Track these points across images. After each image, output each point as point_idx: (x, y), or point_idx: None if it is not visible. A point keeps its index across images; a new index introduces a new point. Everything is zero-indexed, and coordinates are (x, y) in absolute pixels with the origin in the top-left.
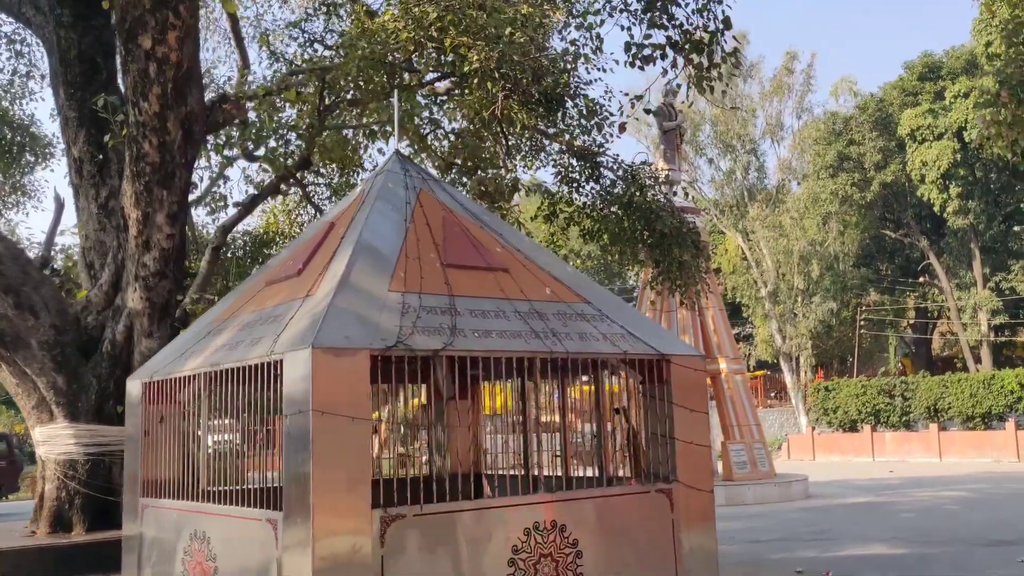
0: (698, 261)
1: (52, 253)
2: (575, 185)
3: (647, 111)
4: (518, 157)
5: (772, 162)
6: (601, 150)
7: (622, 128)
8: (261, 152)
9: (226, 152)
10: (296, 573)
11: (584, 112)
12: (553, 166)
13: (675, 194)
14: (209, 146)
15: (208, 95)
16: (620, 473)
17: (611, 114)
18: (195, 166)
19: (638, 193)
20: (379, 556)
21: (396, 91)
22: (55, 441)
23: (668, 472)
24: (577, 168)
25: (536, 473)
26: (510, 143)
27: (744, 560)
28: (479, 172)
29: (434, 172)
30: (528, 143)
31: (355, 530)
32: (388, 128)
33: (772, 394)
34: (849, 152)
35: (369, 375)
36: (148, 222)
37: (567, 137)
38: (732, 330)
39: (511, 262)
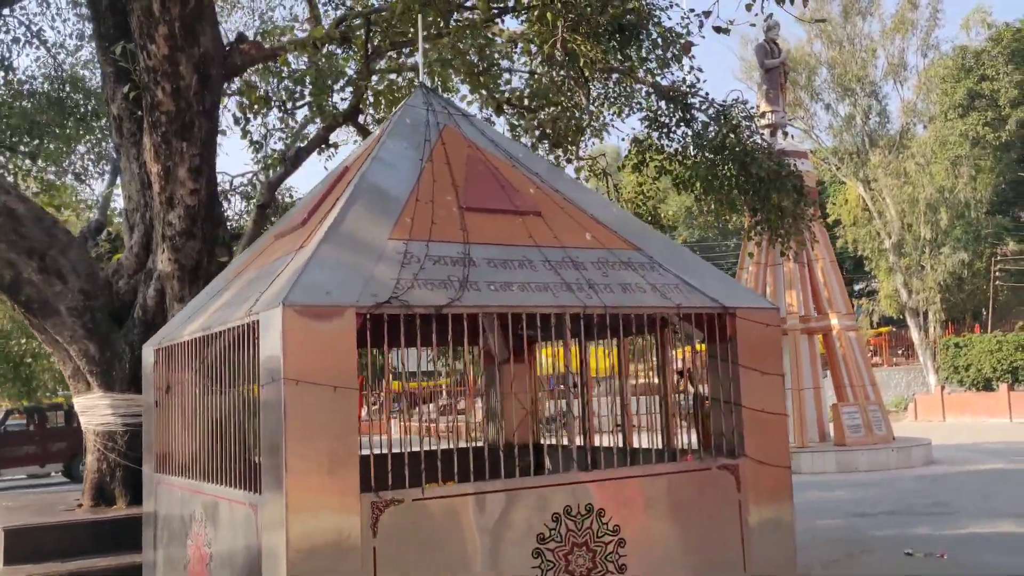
0: (800, 207)
1: (108, 217)
2: (665, 130)
3: (717, 30)
4: (602, 102)
5: (895, 105)
6: (692, 90)
7: (686, 49)
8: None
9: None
10: (272, 564)
11: (660, 43)
12: (639, 110)
13: (785, 136)
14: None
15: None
16: (686, 446)
17: (693, 44)
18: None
19: (731, 134)
20: (371, 547)
21: (419, 15)
22: (93, 411)
23: (734, 445)
24: (666, 111)
25: (579, 445)
26: (590, 84)
27: (846, 536)
28: (545, 112)
29: (483, 114)
30: (616, 87)
31: (340, 516)
32: (436, 68)
33: (899, 352)
34: (981, 89)
35: (356, 336)
36: (170, 177)
37: (641, 73)
38: (854, 285)
39: (546, 204)
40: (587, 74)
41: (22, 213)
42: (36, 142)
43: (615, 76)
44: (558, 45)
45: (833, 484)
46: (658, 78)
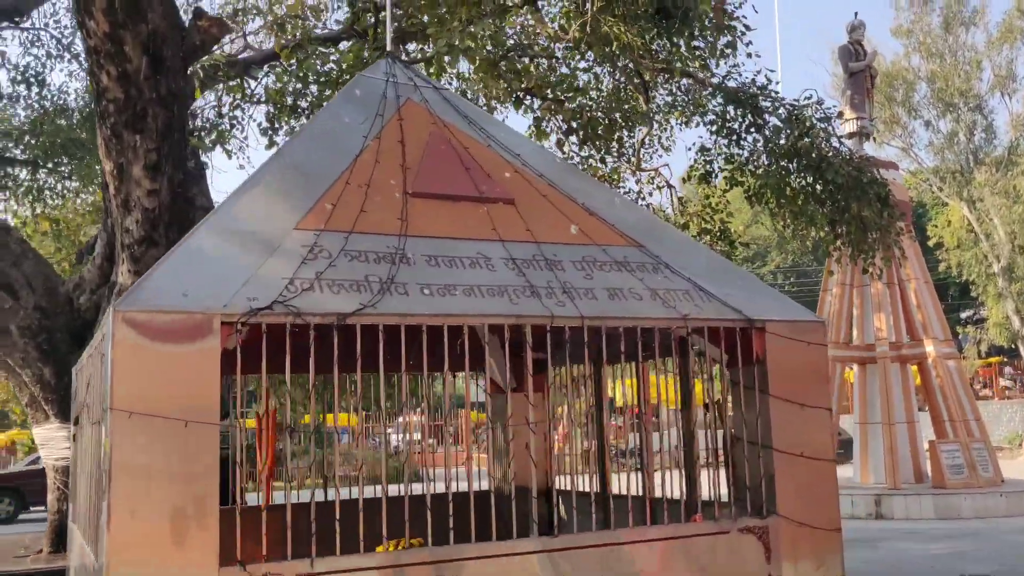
0: (886, 219)
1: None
2: (734, 137)
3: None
4: (667, 111)
5: (1002, 119)
6: (763, 91)
7: (724, 23)
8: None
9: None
10: None
11: (709, 25)
12: (701, 115)
13: (867, 139)
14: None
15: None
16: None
17: (749, 27)
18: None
19: (804, 138)
20: None
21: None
22: (52, 444)
23: (762, 500)
24: (735, 116)
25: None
26: (649, 86)
27: None
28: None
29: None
30: (677, 88)
31: None
32: (445, 56)
33: (1012, 384)
34: None
35: (220, 354)
36: (123, 176)
37: (678, 64)
38: (959, 312)
39: (523, 191)
40: (645, 77)
41: None
42: (76, 160)
43: (683, 81)
44: (588, 27)
45: (930, 533)
46: (715, 74)
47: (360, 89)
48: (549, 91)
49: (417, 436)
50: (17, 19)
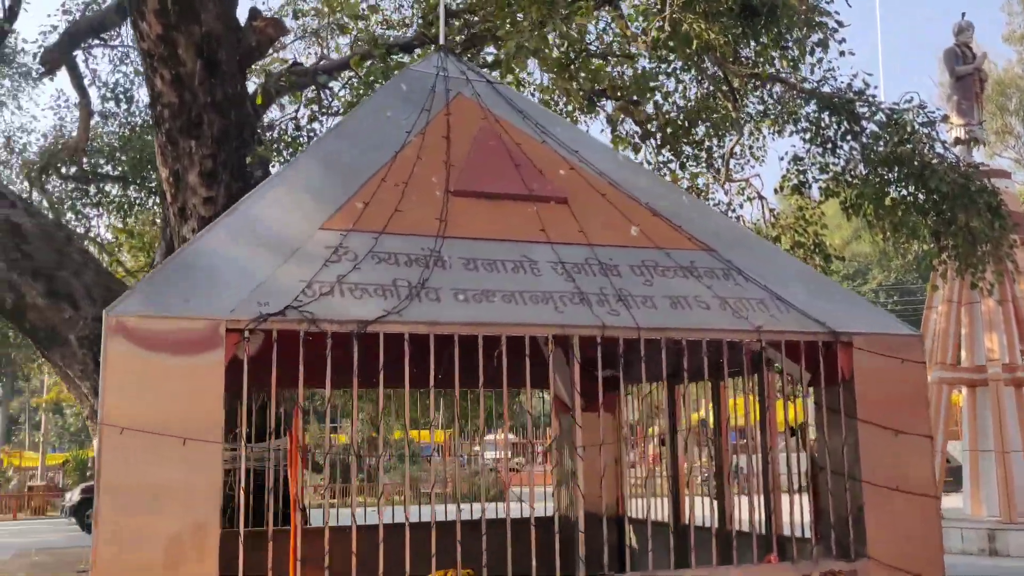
0: (997, 231)
1: None
2: (829, 145)
3: None
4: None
5: None
6: (859, 96)
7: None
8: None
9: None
10: None
11: (797, 21)
12: (794, 122)
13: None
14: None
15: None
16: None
17: (842, 23)
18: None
19: (905, 144)
20: None
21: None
22: None
23: (849, 540)
24: (829, 123)
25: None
26: (737, 92)
27: None
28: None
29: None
30: (768, 94)
31: None
32: (513, 59)
33: None
34: None
35: (224, 365)
36: (180, 184)
37: (766, 66)
38: None
39: (579, 189)
40: (733, 84)
41: (28, 229)
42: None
43: (776, 88)
44: (667, 25)
45: None
46: (808, 80)
47: (406, 83)
48: (622, 92)
49: (503, 455)
50: (103, 36)
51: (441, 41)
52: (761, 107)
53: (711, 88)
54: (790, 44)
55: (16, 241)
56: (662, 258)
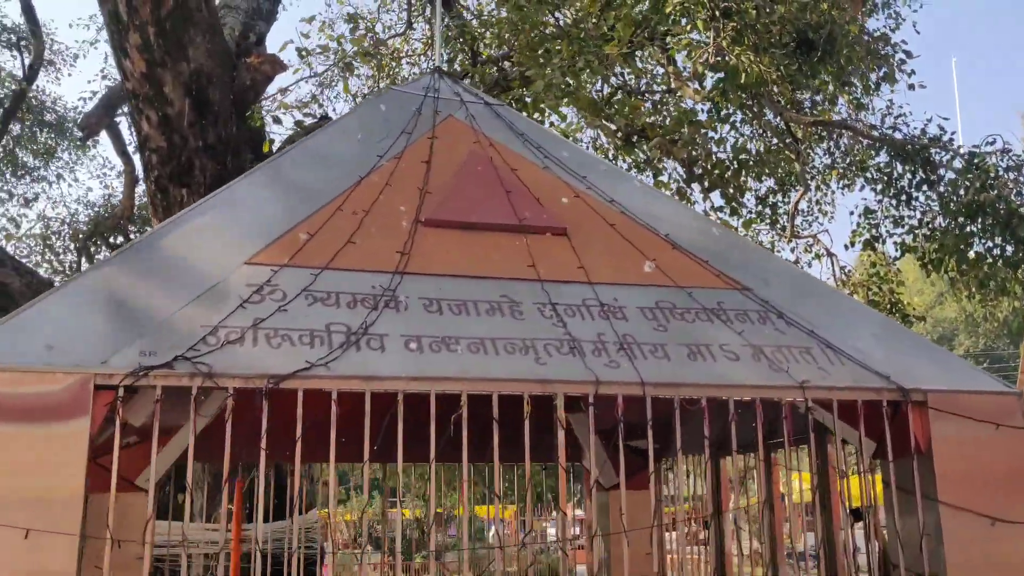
0: None
1: None
2: (903, 196)
3: None
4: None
5: None
6: (936, 142)
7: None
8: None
9: None
10: None
11: (860, 54)
12: (861, 169)
13: None
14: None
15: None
16: None
17: (911, 54)
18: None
19: (989, 189)
20: None
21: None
22: None
23: None
24: (902, 172)
25: None
26: (800, 143)
27: None
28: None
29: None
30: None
31: None
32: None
33: None
34: None
35: (91, 430)
36: None
37: (827, 103)
38: None
39: (584, 219)
40: (797, 135)
41: (16, 288)
42: None
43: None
44: (710, 56)
45: None
46: (878, 128)
47: (388, 104)
48: (663, 131)
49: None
50: None
51: (437, 62)
52: (827, 159)
53: (774, 141)
54: (853, 79)
55: (4, 302)
56: (682, 299)
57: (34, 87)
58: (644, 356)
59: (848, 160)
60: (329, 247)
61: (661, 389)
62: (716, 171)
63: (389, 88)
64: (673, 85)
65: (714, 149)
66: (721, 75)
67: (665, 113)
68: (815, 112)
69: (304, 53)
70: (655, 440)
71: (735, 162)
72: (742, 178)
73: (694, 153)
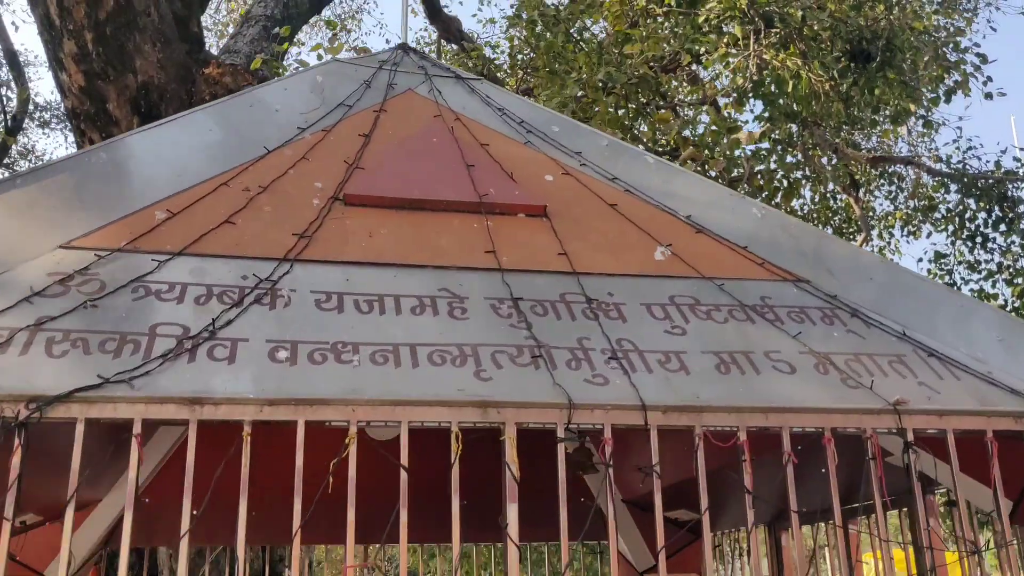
0: None
1: None
2: (979, 238)
3: None
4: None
5: None
6: (1011, 176)
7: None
8: None
9: None
10: None
11: (924, 59)
12: (929, 210)
13: None
14: None
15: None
16: None
17: (983, 58)
18: None
19: None
20: None
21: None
22: None
23: None
24: (978, 209)
25: None
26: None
27: None
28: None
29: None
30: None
31: None
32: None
33: None
34: None
35: None
36: None
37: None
38: None
39: (572, 197)
40: (855, 175)
41: None
42: None
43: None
44: (751, 69)
45: None
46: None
47: (328, 76)
48: (696, 143)
49: None
50: None
51: (403, 38)
52: (890, 204)
53: (829, 186)
54: (920, 87)
55: None
56: (708, 292)
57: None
58: (648, 369)
59: (913, 205)
60: (195, 229)
61: (674, 415)
62: (764, 189)
63: (333, 60)
64: (707, 94)
65: (759, 167)
66: (763, 93)
67: (700, 123)
68: (874, 146)
69: (275, 63)
70: (696, 507)
71: (785, 180)
72: (793, 202)
73: (735, 171)
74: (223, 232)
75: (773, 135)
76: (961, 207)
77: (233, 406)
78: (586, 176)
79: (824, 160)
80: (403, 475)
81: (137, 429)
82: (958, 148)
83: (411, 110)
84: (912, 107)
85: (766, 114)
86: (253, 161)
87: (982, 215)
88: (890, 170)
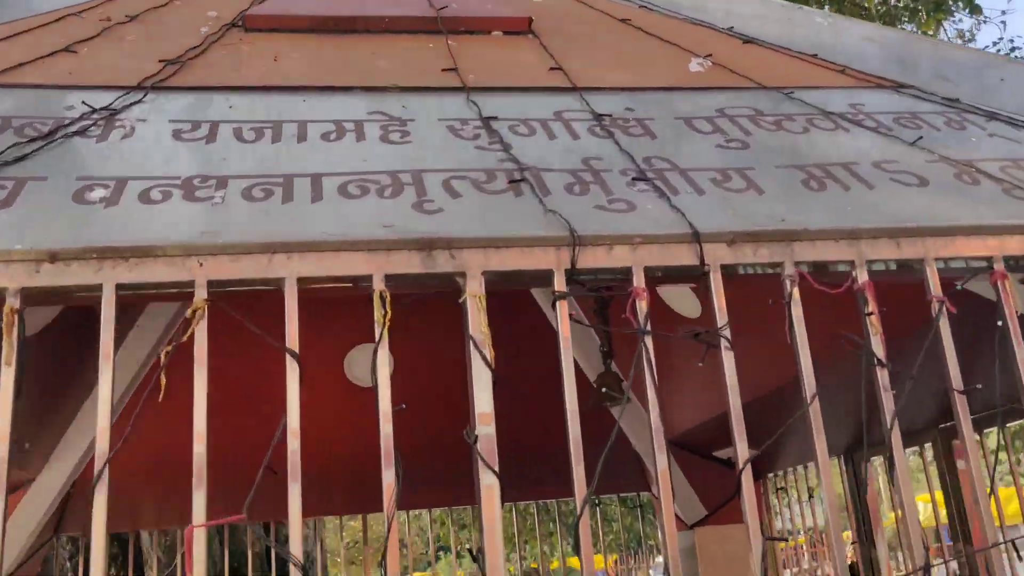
0: None
1: None
2: None
3: None
4: None
5: None
6: None
7: None
8: None
9: None
10: None
11: None
12: None
13: None
14: None
15: None
16: None
17: None
18: None
19: None
20: None
21: None
22: None
23: None
24: None
25: None
26: None
27: None
28: None
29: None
30: None
31: None
32: None
33: None
34: None
35: None
36: None
37: None
38: None
39: (572, 14)
40: None
41: None
42: None
43: None
44: None
45: None
46: None
47: None
48: None
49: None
50: None
51: None
52: None
53: None
54: None
55: None
56: (771, 102)
57: None
58: (698, 189)
59: None
60: (13, 59)
61: (746, 249)
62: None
63: None
64: None
65: None
66: None
67: None
68: None
69: None
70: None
71: None
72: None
73: None
74: (55, 60)
75: None
76: None
77: (23, 265)
78: None
79: None
80: (290, 366)
81: None
82: None
83: None
84: None
85: None
86: None
87: None
88: None
